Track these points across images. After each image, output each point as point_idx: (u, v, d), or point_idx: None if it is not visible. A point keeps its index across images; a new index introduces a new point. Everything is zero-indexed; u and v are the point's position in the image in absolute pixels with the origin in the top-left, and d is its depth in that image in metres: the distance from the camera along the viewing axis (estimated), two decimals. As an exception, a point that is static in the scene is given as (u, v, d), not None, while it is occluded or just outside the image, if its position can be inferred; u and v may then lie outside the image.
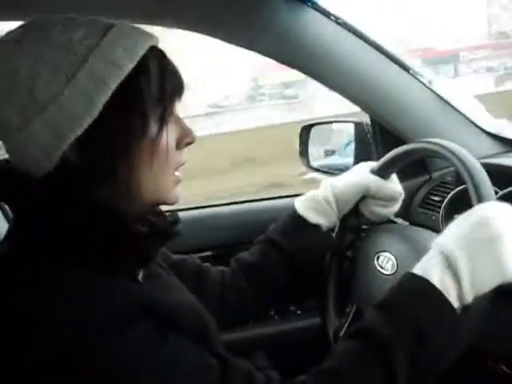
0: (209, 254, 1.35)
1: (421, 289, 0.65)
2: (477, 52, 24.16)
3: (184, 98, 0.68)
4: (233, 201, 1.53)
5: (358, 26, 1.09)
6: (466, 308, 0.64)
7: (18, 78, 0.58)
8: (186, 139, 0.68)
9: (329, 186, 0.94)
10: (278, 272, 0.92)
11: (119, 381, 0.56)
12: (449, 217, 0.97)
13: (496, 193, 0.77)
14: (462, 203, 0.72)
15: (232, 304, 0.90)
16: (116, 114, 0.59)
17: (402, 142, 0.98)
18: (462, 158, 0.73)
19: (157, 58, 0.63)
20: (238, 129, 13.53)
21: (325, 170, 1.39)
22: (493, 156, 1.13)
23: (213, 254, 1.35)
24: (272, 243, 0.94)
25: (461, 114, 1.16)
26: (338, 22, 1.07)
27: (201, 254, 1.29)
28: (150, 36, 0.64)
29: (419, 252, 0.70)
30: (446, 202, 1.02)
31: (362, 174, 0.93)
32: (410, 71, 1.13)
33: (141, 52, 0.61)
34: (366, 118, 1.27)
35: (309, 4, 1.04)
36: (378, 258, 0.88)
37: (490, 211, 0.66)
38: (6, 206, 1.23)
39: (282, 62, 1.12)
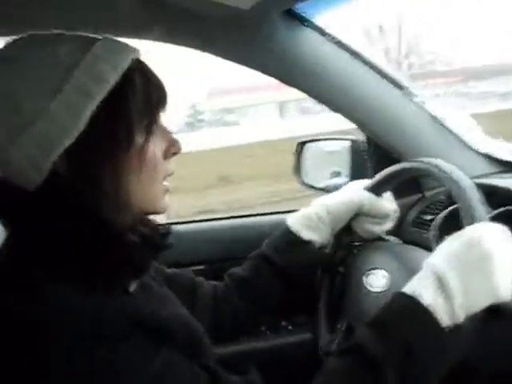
0: (202, 267, 1.34)
1: (411, 309, 0.65)
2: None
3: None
4: (229, 215, 1.53)
5: (354, 45, 1.11)
6: (457, 327, 0.64)
7: (4, 94, 0.59)
8: (172, 149, 0.69)
9: (322, 203, 0.95)
10: (270, 287, 0.92)
11: None
12: (441, 236, 0.98)
13: (488, 213, 0.77)
14: (454, 222, 0.73)
15: (224, 318, 0.90)
16: (103, 126, 0.60)
17: (398, 161, 1.00)
18: (455, 178, 0.74)
19: (141, 71, 0.65)
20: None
21: (321, 188, 1.37)
22: (485, 176, 1.14)
23: (206, 268, 1.35)
24: (264, 259, 0.94)
25: (453, 134, 1.18)
26: (334, 41, 1.09)
27: (194, 268, 1.29)
28: (133, 49, 0.65)
29: (411, 270, 0.71)
30: (438, 221, 1.03)
31: (356, 192, 0.94)
32: (404, 90, 1.15)
33: (125, 65, 0.63)
34: (362, 136, 1.28)
35: (306, 24, 1.06)
36: (369, 275, 0.88)
37: (482, 231, 0.67)
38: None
39: (279, 80, 1.13)
